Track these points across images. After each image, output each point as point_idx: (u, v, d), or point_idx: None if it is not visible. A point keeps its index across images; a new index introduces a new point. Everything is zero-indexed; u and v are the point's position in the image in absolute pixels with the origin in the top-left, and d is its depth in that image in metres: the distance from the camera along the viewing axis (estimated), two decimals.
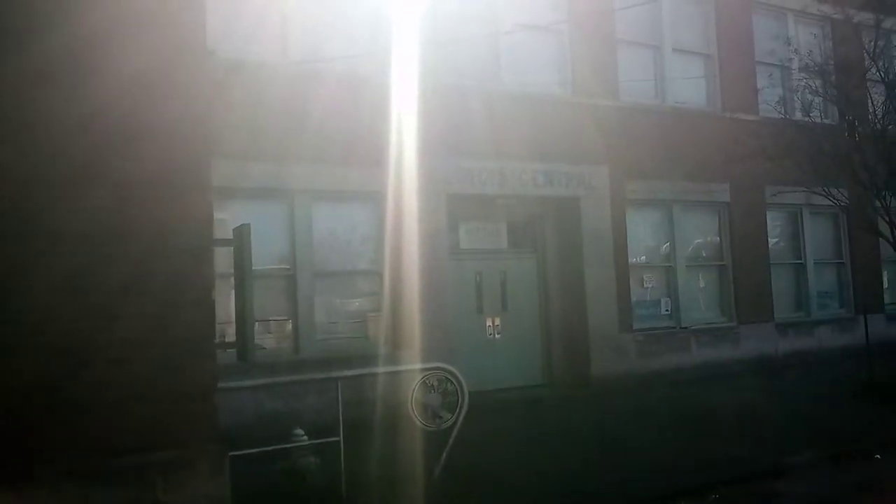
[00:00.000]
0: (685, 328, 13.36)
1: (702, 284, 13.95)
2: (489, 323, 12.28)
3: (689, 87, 14.00)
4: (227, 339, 7.57)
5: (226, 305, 9.71)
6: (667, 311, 13.39)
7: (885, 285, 16.40)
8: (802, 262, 15.19)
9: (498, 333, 12.33)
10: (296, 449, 6.59)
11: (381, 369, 6.80)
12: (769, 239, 14.58)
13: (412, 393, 6.93)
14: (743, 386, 11.99)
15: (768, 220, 14.59)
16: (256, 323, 10.22)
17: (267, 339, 10.16)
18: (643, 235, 13.37)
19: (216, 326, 8.36)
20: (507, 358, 12.32)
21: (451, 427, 7.05)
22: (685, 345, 13.26)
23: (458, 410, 7.06)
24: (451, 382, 7.07)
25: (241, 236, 5.39)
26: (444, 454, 7.00)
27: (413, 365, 7.06)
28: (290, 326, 10.15)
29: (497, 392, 11.86)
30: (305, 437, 6.73)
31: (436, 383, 7.02)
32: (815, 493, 6.67)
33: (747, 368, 13.73)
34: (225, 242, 5.75)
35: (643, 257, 13.34)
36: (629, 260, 12.86)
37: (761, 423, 9.02)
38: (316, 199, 10.35)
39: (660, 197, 13.24)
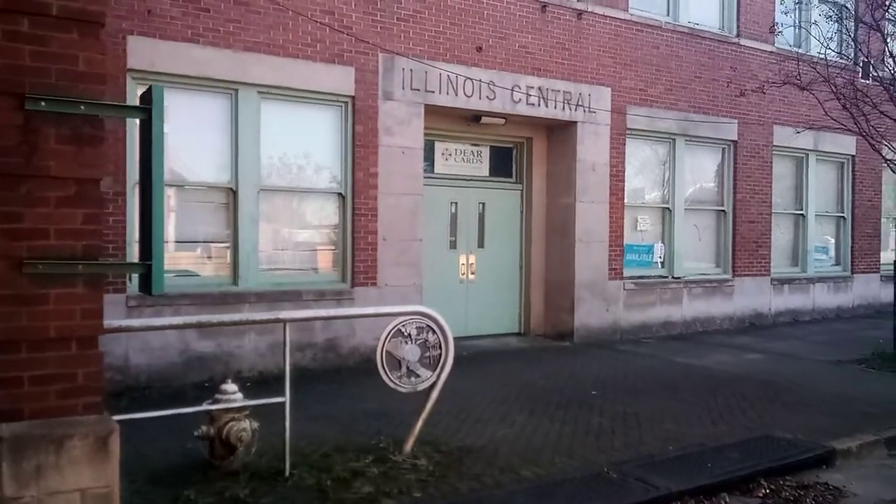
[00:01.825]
0: (678, 278, 11.97)
1: (699, 231, 12.53)
2: (463, 261, 10.67)
3: (704, 6, 12.30)
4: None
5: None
6: (660, 258, 11.96)
7: (882, 244, 15.28)
8: (803, 213, 13.90)
9: (472, 273, 10.73)
10: (224, 412, 4.91)
11: (342, 311, 5.12)
12: (773, 185, 13.19)
13: (382, 344, 5.28)
14: (738, 345, 10.69)
15: (774, 165, 13.17)
16: (193, 247, 8.51)
17: (200, 266, 8.34)
18: (641, 172, 11.80)
19: (119, 241, 6.48)
20: (481, 302, 10.78)
21: (430, 388, 5.45)
22: (677, 297, 11.89)
23: (439, 367, 5.46)
24: (433, 332, 5.44)
25: (150, 104, 3.56)
26: (420, 421, 5.41)
27: (384, 308, 5.43)
28: (228, 252, 8.35)
29: (468, 341, 10.34)
30: (239, 395, 5.05)
31: (413, 332, 5.38)
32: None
33: (738, 325, 12.54)
34: (123, 111, 3.92)
35: (639, 197, 11.80)
36: (625, 199, 11.31)
37: (770, 391, 7.67)
38: (267, 97, 8.43)
39: (663, 129, 11.64)
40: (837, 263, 14.64)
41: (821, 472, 5.52)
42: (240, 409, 4.99)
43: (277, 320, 4.84)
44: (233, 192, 8.26)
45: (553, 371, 8.62)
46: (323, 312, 5.06)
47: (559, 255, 10.99)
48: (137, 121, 3.73)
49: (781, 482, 5.22)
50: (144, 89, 3.62)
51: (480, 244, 10.84)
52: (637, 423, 6.39)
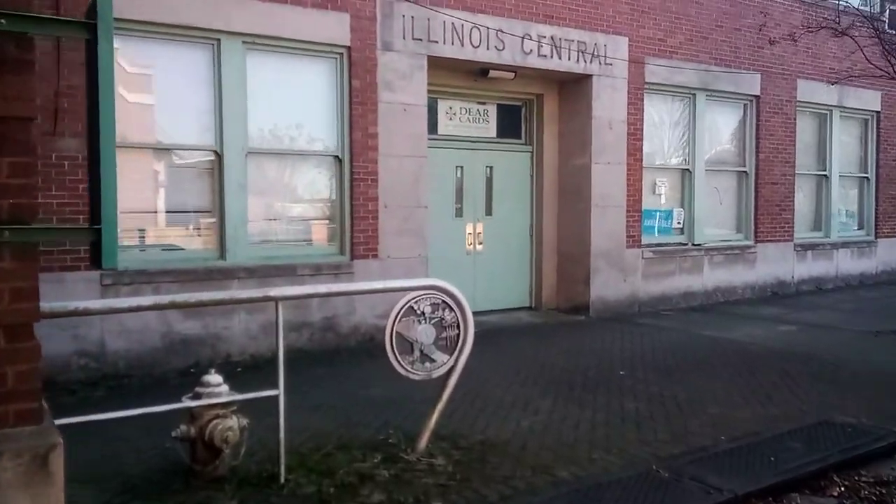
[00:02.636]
0: (698, 245, 11.21)
1: (720, 194, 11.74)
2: (469, 230, 9.88)
3: None
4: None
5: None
6: (679, 224, 11.18)
7: None
8: (826, 174, 13.11)
9: (480, 244, 9.95)
10: (206, 409, 4.15)
11: (343, 287, 4.33)
12: (796, 144, 12.38)
13: (392, 324, 4.51)
14: (766, 316, 9.97)
15: (798, 122, 12.35)
16: (175, 218, 7.62)
17: (183, 239, 7.54)
18: (660, 130, 10.96)
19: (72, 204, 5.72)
20: (489, 274, 10.02)
21: (446, 374, 4.69)
22: (697, 265, 11.14)
23: (457, 350, 4.70)
24: (450, 309, 4.67)
25: (96, 19, 2.72)
26: (435, 413, 4.67)
27: (393, 282, 4.64)
28: (214, 224, 7.53)
29: (476, 316, 9.51)
30: (224, 388, 4.28)
31: (427, 310, 4.61)
32: None
33: (760, 295, 11.82)
34: (59, 27, 3.10)
35: (658, 158, 10.98)
36: (643, 160, 10.49)
37: (814, 367, 6.96)
38: (253, 49, 7.56)
39: (682, 83, 10.79)
40: (860, 227, 13.89)
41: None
42: (225, 405, 4.22)
43: (267, 298, 4.06)
44: (218, 156, 7.42)
45: (572, 348, 7.88)
46: (322, 288, 4.27)
47: (573, 222, 10.20)
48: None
49: (856, 478, 4.49)
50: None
51: (488, 211, 10.04)
52: (677, 407, 5.66)
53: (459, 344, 4.69)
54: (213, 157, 7.44)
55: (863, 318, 9.78)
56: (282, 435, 4.19)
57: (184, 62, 7.29)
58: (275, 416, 5.31)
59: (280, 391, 4.16)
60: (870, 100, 13.33)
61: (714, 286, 11.34)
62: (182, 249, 7.43)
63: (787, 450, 4.71)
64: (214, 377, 4.30)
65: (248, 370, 7.00)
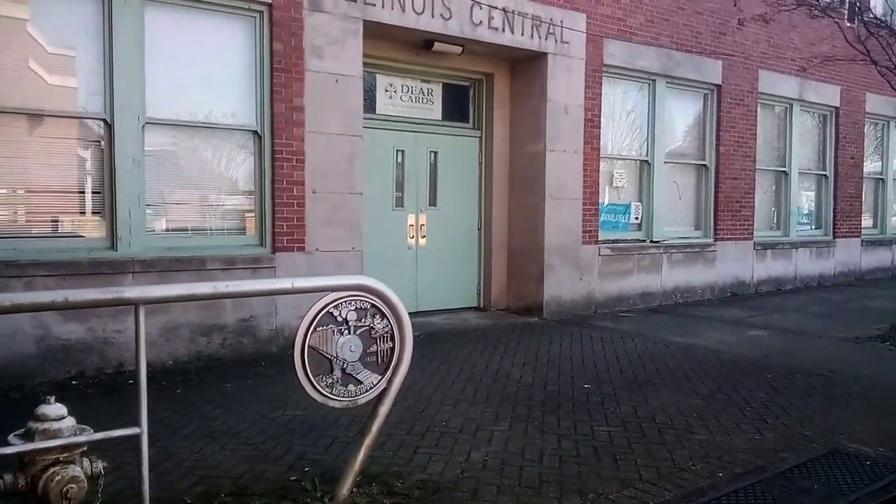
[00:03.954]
0: (657, 243, 10.39)
1: (679, 188, 10.96)
2: (411, 222, 8.80)
3: None
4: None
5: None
6: (637, 219, 10.35)
7: (864, 207, 14.09)
8: (786, 170, 12.50)
9: (423, 237, 8.89)
10: (39, 453, 2.96)
11: (236, 286, 3.23)
12: (757, 138, 11.71)
13: (303, 335, 3.41)
14: (731, 319, 9.21)
15: (759, 114, 11.68)
16: (55, 199, 6.20)
17: (65, 225, 6.24)
18: (618, 118, 10.09)
19: None
20: (433, 271, 8.97)
21: (377, 399, 3.61)
22: (656, 264, 10.32)
23: (391, 369, 3.62)
24: (382, 315, 3.59)
25: None
26: (362, 451, 3.58)
27: (305, 280, 3.52)
28: (102, 207, 6.26)
29: (418, 317, 8.55)
30: (66, 423, 3.10)
31: (351, 316, 3.52)
32: None
33: (720, 295, 11.10)
34: None
35: (615, 148, 10.11)
36: (601, 149, 9.60)
37: (800, 380, 6.15)
38: (154, 1, 6.31)
39: (642, 67, 9.95)
40: (819, 227, 13.36)
41: None
42: (67, 448, 3.04)
43: (122, 301, 2.90)
44: (108, 126, 6.16)
45: (528, 356, 6.88)
46: (204, 288, 3.13)
47: (525, 215, 9.24)
48: None
49: None
50: None
51: (432, 202, 8.99)
52: (657, 432, 4.71)
53: (394, 361, 3.62)
54: (102, 128, 6.17)
55: (835, 322, 9.10)
56: (145, 487, 3.03)
57: (67, 12, 6.00)
58: (165, 442, 4.20)
59: (143, 429, 3.00)
60: (830, 95, 12.80)
61: (673, 286, 10.56)
62: (63, 237, 6.13)
63: (801, 492, 3.79)
64: (52, 408, 3.11)
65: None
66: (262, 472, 3.94)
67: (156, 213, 6.55)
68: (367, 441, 3.60)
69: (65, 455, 3.05)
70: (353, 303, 3.52)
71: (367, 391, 3.57)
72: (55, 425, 3.07)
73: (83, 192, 6.23)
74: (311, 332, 3.42)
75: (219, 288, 3.17)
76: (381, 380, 3.60)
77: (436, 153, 8.99)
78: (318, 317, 3.44)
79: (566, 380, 6.02)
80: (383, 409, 3.62)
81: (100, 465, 3.23)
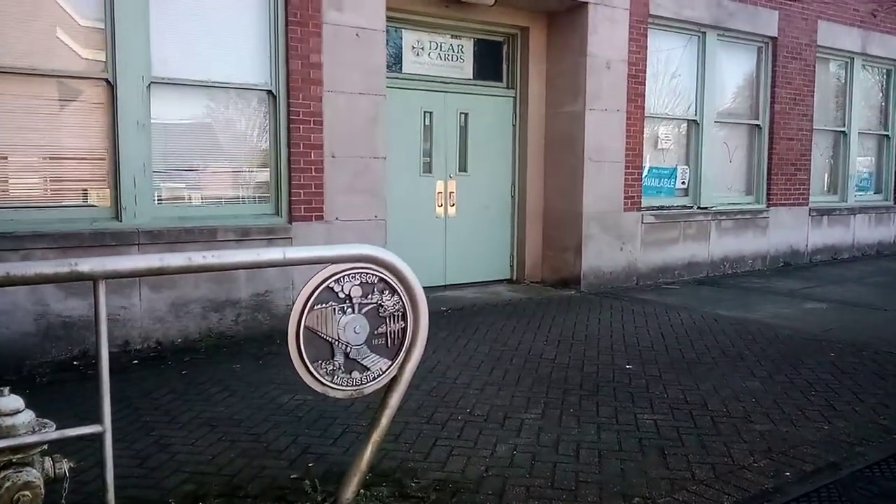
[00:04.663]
0: (705, 209, 9.70)
1: (729, 150, 10.21)
2: (440, 189, 8.26)
3: None
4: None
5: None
6: (683, 184, 9.66)
7: None
8: (845, 130, 11.61)
9: (452, 205, 8.35)
10: None
11: (219, 258, 2.80)
12: (815, 95, 10.84)
13: (299, 314, 2.93)
14: (786, 291, 8.51)
15: (817, 70, 10.80)
16: (54, 166, 5.79)
17: (66, 195, 5.84)
18: (665, 74, 9.36)
19: None
20: (463, 242, 8.45)
21: (387, 388, 3.12)
22: (703, 232, 9.64)
23: (403, 353, 3.12)
24: (392, 291, 3.09)
25: None
26: (368, 449, 3.10)
27: (305, 250, 3.05)
28: (105, 174, 5.85)
29: (447, 291, 8.08)
30: (22, 417, 2.67)
31: (355, 292, 3.02)
32: None
33: (772, 265, 10.38)
34: None
35: (661, 106, 9.39)
36: (645, 107, 8.90)
37: (868, 359, 5.50)
38: None
39: (692, 18, 9.18)
40: (878, 191, 12.46)
41: None
42: (20, 448, 2.62)
43: (77, 276, 2.44)
44: (110, 86, 5.73)
45: (564, 333, 6.34)
46: (176, 260, 2.65)
47: (563, 181, 8.63)
48: None
49: None
50: None
51: (462, 167, 8.43)
52: (711, 421, 4.15)
53: (406, 343, 3.12)
54: (104, 88, 5.74)
55: None
56: (109, 496, 2.59)
57: None
58: (161, 431, 3.80)
59: (105, 427, 2.55)
60: (895, 48, 11.81)
61: (722, 255, 9.87)
62: (64, 207, 5.74)
63: (886, 496, 3.22)
64: (7, 400, 2.68)
65: (147, 363, 5.41)
66: (260, 469, 3.50)
67: (163, 180, 6.13)
68: (376, 436, 3.12)
69: (18, 456, 2.64)
70: (357, 276, 3.02)
71: (374, 379, 3.08)
72: (7, 421, 2.65)
73: (85, 159, 5.81)
74: (308, 311, 2.94)
75: (194, 259, 2.69)
76: (391, 365, 3.11)
77: (466, 115, 8.40)
78: (316, 293, 2.95)
79: (606, 359, 5.48)
80: (394, 399, 3.13)
81: (64, 466, 2.81)
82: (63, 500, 2.73)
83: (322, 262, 2.95)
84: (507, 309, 7.38)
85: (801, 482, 3.35)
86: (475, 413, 4.27)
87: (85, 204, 5.81)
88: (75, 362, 5.49)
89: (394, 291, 3.09)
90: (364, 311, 3.04)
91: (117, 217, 5.81)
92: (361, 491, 3.16)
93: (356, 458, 3.13)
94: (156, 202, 6.01)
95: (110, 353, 5.62)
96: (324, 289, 2.95)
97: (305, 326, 2.94)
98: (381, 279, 3.06)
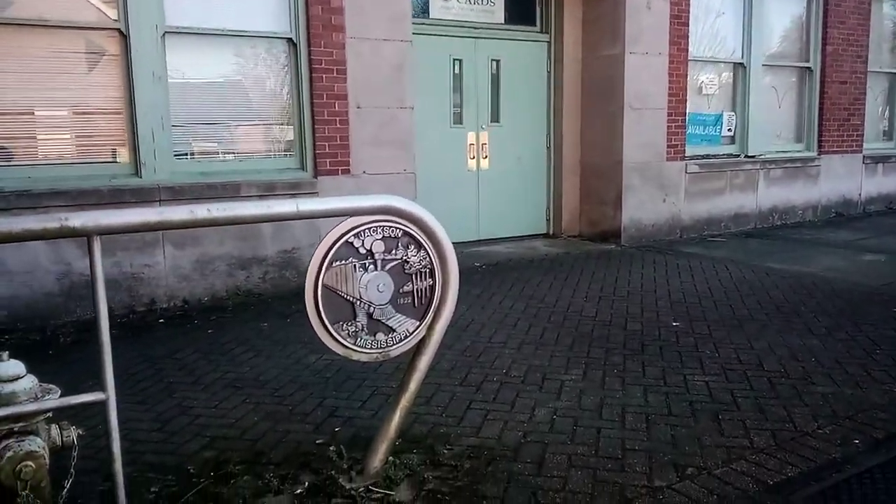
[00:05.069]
0: (752, 157, 9.20)
1: (778, 95, 9.65)
2: (472, 141, 7.92)
3: None
4: None
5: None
6: (729, 131, 9.15)
7: None
8: None
9: (484, 157, 8.01)
10: None
11: (222, 210, 2.56)
12: (869, 35, 10.16)
13: (317, 271, 2.68)
14: (840, 243, 8.05)
15: (872, 7, 10.09)
16: (70, 121, 5.58)
17: (83, 151, 5.64)
18: (708, 14, 8.79)
19: None
20: (496, 196, 8.12)
21: (415, 350, 2.87)
22: (751, 181, 9.16)
23: (432, 312, 2.86)
24: (418, 245, 2.81)
25: None
26: (396, 417, 2.86)
27: (320, 202, 2.79)
28: (122, 129, 5.63)
29: (481, 246, 7.80)
30: (24, 382, 2.48)
31: (378, 247, 2.75)
32: None
33: (823, 216, 9.87)
34: None
35: (705, 48, 8.85)
36: (689, 50, 8.39)
37: None
38: None
39: None
40: None
41: None
42: (22, 417, 2.43)
43: (68, 232, 2.21)
44: (123, 37, 5.47)
45: (605, 289, 6.03)
46: (176, 214, 2.41)
47: (601, 129, 8.21)
48: None
49: None
50: None
51: (495, 117, 8.05)
52: (768, 383, 3.83)
53: (435, 302, 2.85)
54: (117, 39, 5.48)
55: None
56: (116, 467, 2.39)
57: None
58: (184, 393, 3.63)
59: (108, 394, 2.34)
60: None
61: (770, 206, 9.39)
62: (82, 164, 5.55)
63: None
64: (6, 366, 2.50)
65: (172, 322, 5.26)
66: (284, 433, 3.30)
67: (183, 134, 5.89)
68: (404, 401, 2.88)
69: (21, 425, 2.45)
70: (379, 230, 2.75)
71: (401, 341, 2.83)
72: (6, 388, 2.47)
73: (102, 114, 5.59)
74: (326, 269, 2.68)
75: (197, 213, 2.44)
76: (419, 326, 2.85)
77: (498, 62, 7.99)
78: (334, 249, 2.68)
79: (650, 316, 5.17)
80: (423, 362, 2.88)
81: (72, 434, 2.63)
82: (72, 469, 2.55)
83: (339, 214, 2.68)
84: (543, 264, 7.08)
85: (871, 452, 3.03)
86: (512, 374, 4.01)
87: (103, 160, 5.61)
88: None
89: (420, 246, 2.81)
90: (387, 267, 2.77)
91: (137, 173, 5.61)
92: (390, 458, 2.94)
93: (384, 424, 2.90)
94: (176, 157, 5.79)
95: (136, 312, 5.52)
96: (342, 244, 2.69)
97: (324, 285, 2.69)
98: (406, 233, 2.78)
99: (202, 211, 2.44)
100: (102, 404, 2.33)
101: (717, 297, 5.69)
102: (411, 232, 2.78)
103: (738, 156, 9.14)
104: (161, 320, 5.34)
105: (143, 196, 5.50)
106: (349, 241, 2.70)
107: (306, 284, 2.67)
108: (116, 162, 5.62)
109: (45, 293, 5.27)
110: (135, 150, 5.59)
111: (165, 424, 3.43)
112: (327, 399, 3.70)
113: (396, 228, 2.76)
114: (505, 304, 5.52)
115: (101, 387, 2.35)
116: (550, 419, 3.40)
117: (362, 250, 2.73)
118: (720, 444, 3.11)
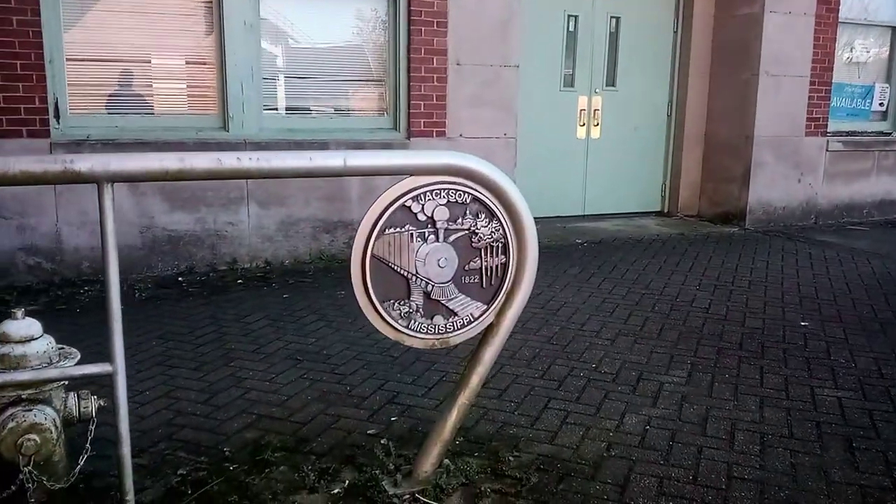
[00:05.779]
0: None
1: None
2: (583, 106, 7.28)
3: None
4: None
5: None
6: (881, 105, 8.04)
7: None
8: None
9: (596, 124, 7.36)
10: None
11: (272, 160, 2.23)
12: None
13: (366, 238, 2.26)
14: None
15: None
16: (158, 72, 5.41)
17: (169, 102, 5.48)
18: None
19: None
20: (606, 166, 7.48)
21: (481, 339, 2.42)
22: None
23: (502, 294, 2.39)
24: (489, 214, 2.34)
25: None
26: (452, 416, 2.43)
27: (374, 156, 2.39)
28: (211, 81, 5.43)
29: (586, 222, 7.21)
30: (37, 345, 2.24)
31: (440, 214, 2.31)
32: None
33: None
34: None
35: (858, 9, 7.75)
36: (839, 10, 7.36)
37: None
38: None
39: None
40: None
41: None
42: (31, 384, 2.18)
43: (73, 176, 1.90)
44: None
45: (721, 277, 5.34)
46: (198, 162, 2.09)
47: (731, 97, 7.36)
48: None
49: None
50: None
51: (610, 81, 7.37)
52: None
53: (507, 284, 2.38)
54: None
55: None
56: (124, 451, 2.09)
57: None
58: (241, 362, 3.37)
59: (116, 367, 2.03)
60: None
61: None
62: (169, 115, 5.39)
63: None
64: (20, 325, 2.25)
65: (250, 284, 5.05)
66: (335, 419, 2.95)
67: (273, 88, 5.64)
68: (463, 398, 2.44)
69: (30, 392, 2.21)
70: (443, 194, 2.30)
71: (463, 327, 2.38)
72: (17, 350, 2.23)
73: (191, 63, 5.40)
74: (377, 237, 2.27)
75: (225, 162, 2.09)
76: (486, 311, 2.39)
77: (618, 19, 7.29)
78: (388, 213, 2.27)
79: (774, 313, 4.47)
80: (489, 354, 2.43)
81: (92, 405, 2.38)
82: (88, 445, 2.29)
83: (394, 172, 2.26)
84: (653, 245, 6.42)
85: None
86: (602, 370, 3.49)
87: (191, 112, 5.44)
88: (180, 278, 5.21)
89: (492, 216, 2.34)
90: (451, 239, 2.32)
91: (224, 127, 5.41)
92: (445, 462, 2.53)
93: (438, 423, 2.47)
94: (264, 111, 5.55)
95: (217, 270, 5.34)
96: (398, 208, 2.26)
97: (373, 255, 2.27)
98: (476, 199, 2.32)
99: (230, 160, 2.09)
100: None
101: (855, 294, 4.89)
102: (483, 198, 2.32)
103: (890, 134, 8.02)
104: (239, 281, 5.15)
105: (228, 151, 5.28)
106: (406, 204, 2.27)
107: (353, 253, 2.26)
108: (204, 114, 5.43)
109: (127, 245, 5.17)
110: (223, 103, 5.38)
111: (213, 396, 3.16)
112: (389, 382, 3.32)
113: (465, 193, 2.31)
114: (604, 288, 4.96)
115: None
116: (642, 430, 2.87)
117: (422, 217, 2.29)
118: (853, 482, 2.49)
